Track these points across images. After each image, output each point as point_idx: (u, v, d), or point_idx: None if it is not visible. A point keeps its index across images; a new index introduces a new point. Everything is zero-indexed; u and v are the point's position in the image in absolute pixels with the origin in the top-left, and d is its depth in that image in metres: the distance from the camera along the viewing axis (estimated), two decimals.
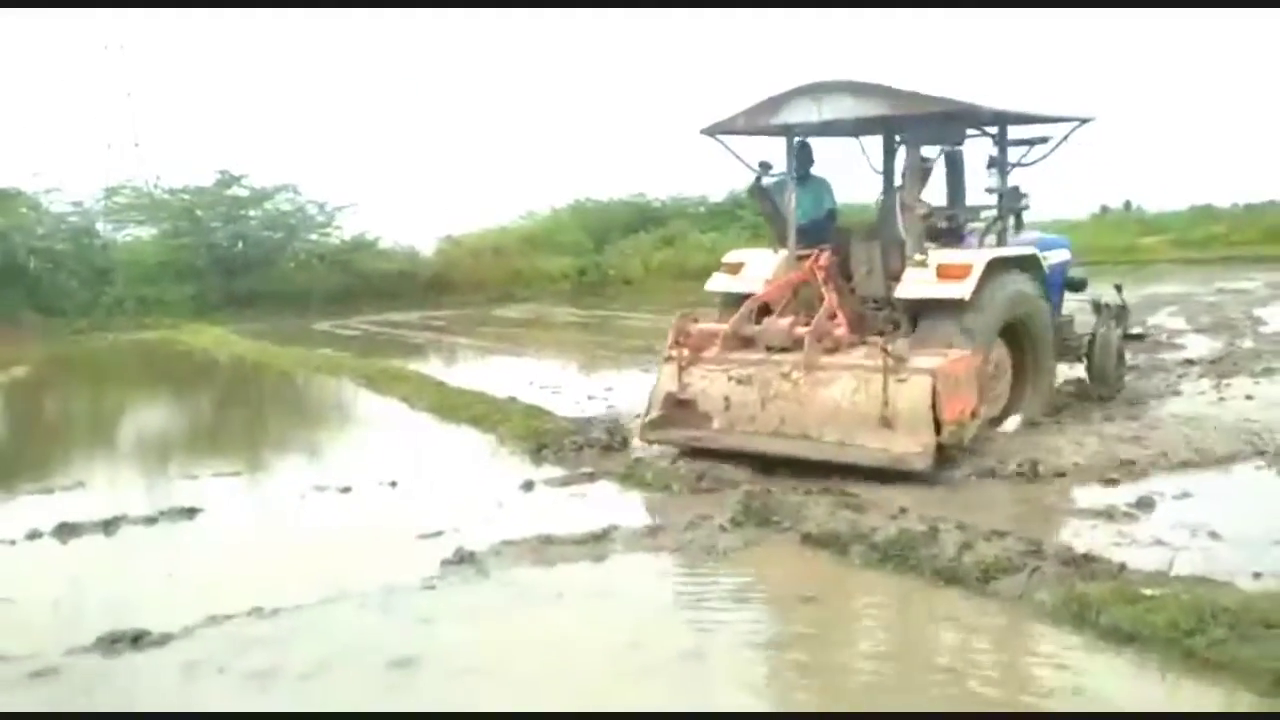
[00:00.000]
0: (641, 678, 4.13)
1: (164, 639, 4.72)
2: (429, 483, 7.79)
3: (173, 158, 42.02)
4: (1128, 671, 3.94)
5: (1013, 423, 7.85)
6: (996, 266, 7.60)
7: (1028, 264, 8.16)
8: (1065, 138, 8.25)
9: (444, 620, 4.92)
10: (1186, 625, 3.97)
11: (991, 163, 8.29)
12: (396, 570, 5.53)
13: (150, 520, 6.96)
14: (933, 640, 4.40)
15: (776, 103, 8.06)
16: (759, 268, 8.53)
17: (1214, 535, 5.22)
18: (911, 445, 6.62)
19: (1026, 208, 9.00)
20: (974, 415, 6.96)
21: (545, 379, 12.90)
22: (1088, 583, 4.48)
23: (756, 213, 9.86)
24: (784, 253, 8.55)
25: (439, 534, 6.13)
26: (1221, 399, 9.17)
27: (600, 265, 34.48)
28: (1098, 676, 3.93)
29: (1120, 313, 9.84)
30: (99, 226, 30.01)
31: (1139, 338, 10.55)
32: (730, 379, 7.63)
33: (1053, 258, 9.18)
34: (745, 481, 6.80)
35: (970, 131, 8.27)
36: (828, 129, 8.45)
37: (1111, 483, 6.55)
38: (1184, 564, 4.60)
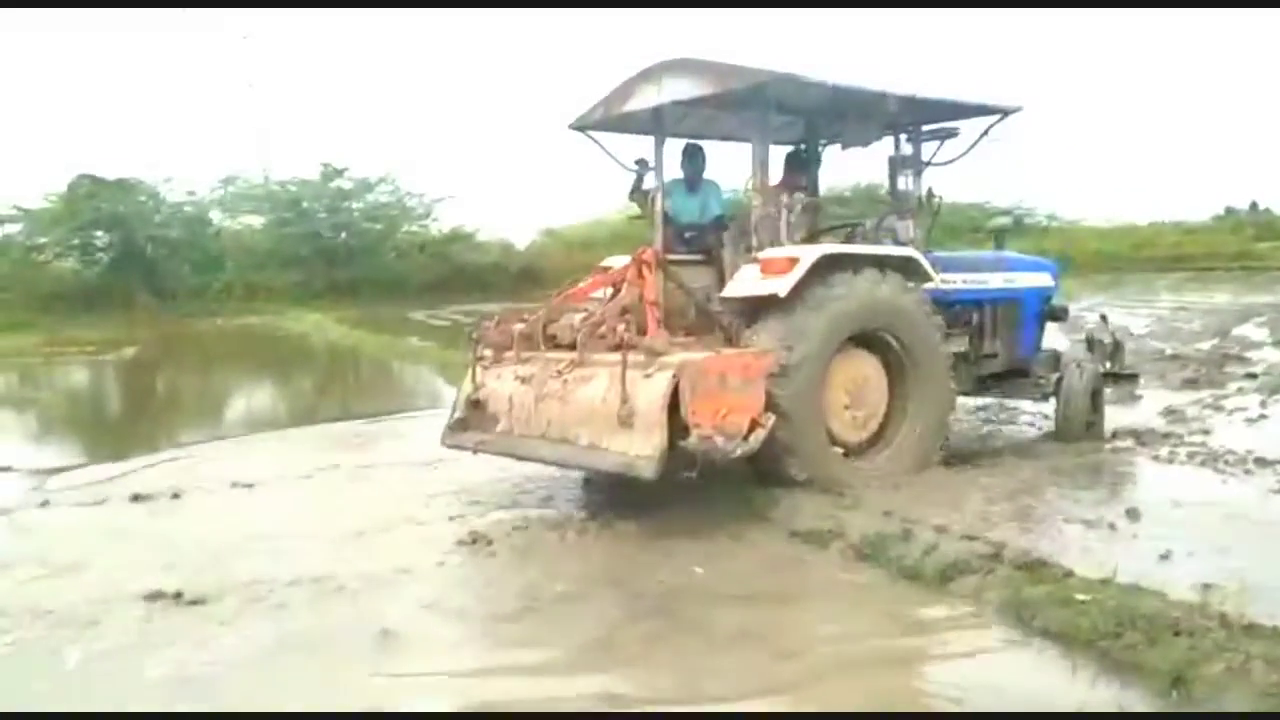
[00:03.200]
0: (609, 651, 4.54)
1: (200, 599, 5.30)
2: (465, 468, 8.26)
3: (282, 149, 43.71)
4: (1047, 669, 4.18)
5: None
6: (839, 264, 6.86)
7: (905, 269, 7.25)
8: (985, 133, 7.72)
9: (442, 592, 5.42)
10: (1106, 629, 4.20)
11: (905, 162, 7.92)
12: (415, 548, 6.06)
13: (210, 491, 7.68)
14: (876, 632, 4.70)
15: (625, 89, 7.60)
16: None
17: (1178, 553, 5.38)
18: (643, 448, 5.94)
19: (1009, 227, 8.55)
20: (755, 425, 6.15)
21: None
22: (1035, 586, 4.72)
23: (634, 215, 8.82)
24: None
25: (462, 516, 6.67)
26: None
27: None
28: (1018, 673, 4.20)
29: (1114, 351, 9.24)
30: (212, 215, 31.60)
31: (1132, 378, 9.57)
32: (516, 378, 7.07)
33: (1023, 281, 8.76)
34: (752, 474, 7.07)
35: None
36: (683, 124, 8.01)
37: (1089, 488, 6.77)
38: (1133, 573, 4.80)
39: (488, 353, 7.38)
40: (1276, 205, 47.29)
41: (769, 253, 6.97)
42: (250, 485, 7.87)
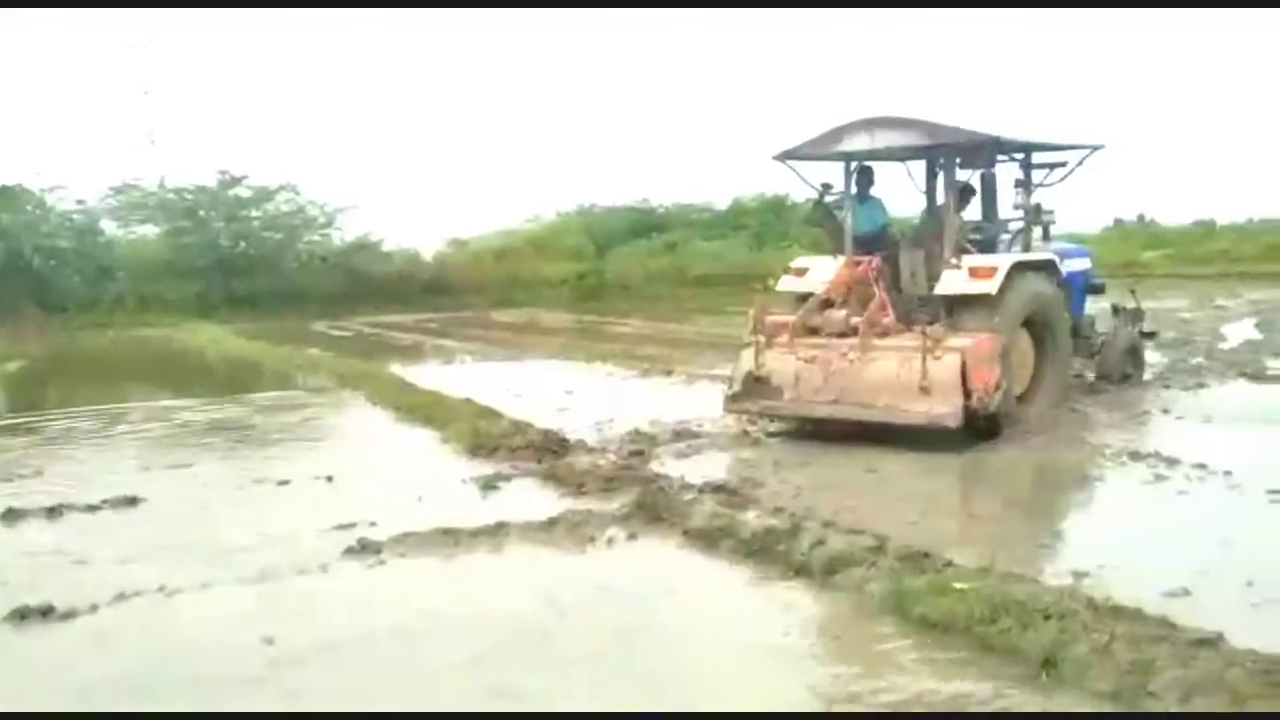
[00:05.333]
0: (479, 659, 4.49)
1: (70, 614, 5.12)
2: (363, 478, 8.19)
3: (177, 157, 42.57)
4: (924, 656, 4.27)
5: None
6: (1018, 269, 8.98)
7: (1046, 268, 9.54)
8: (1080, 162, 9.77)
9: (321, 601, 5.32)
10: (981, 615, 4.31)
11: (1018, 184, 9.88)
12: (300, 557, 5.93)
13: (93, 507, 7.39)
14: (760, 626, 4.74)
15: (837, 134, 9.46)
16: (820, 271, 9.96)
17: (1055, 542, 5.55)
18: (945, 408, 8.08)
19: (1053, 222, 10.29)
20: (998, 387, 8.29)
21: (515, 382, 13.31)
22: (915, 577, 4.82)
23: (816, 223, 11.31)
24: (842, 259, 9.87)
25: (352, 525, 6.51)
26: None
27: (601, 271, 34.83)
28: (898, 662, 4.27)
29: (1136, 314, 11.67)
30: (103, 224, 30.59)
31: (1152, 335, 12.27)
32: (799, 359, 9.11)
33: (1074, 265, 10.64)
34: (652, 481, 7.15)
35: (1000, 158, 9.76)
36: (876, 155, 9.91)
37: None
38: (1009, 561, 4.93)
39: (760, 339, 9.31)
40: (1162, 216, 49.20)
41: (974, 260, 9.02)
42: (134, 499, 7.60)
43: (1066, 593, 4.40)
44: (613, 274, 34.55)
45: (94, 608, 5.20)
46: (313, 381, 14.97)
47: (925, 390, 8.25)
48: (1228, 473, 6.88)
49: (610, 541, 6.06)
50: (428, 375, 14.41)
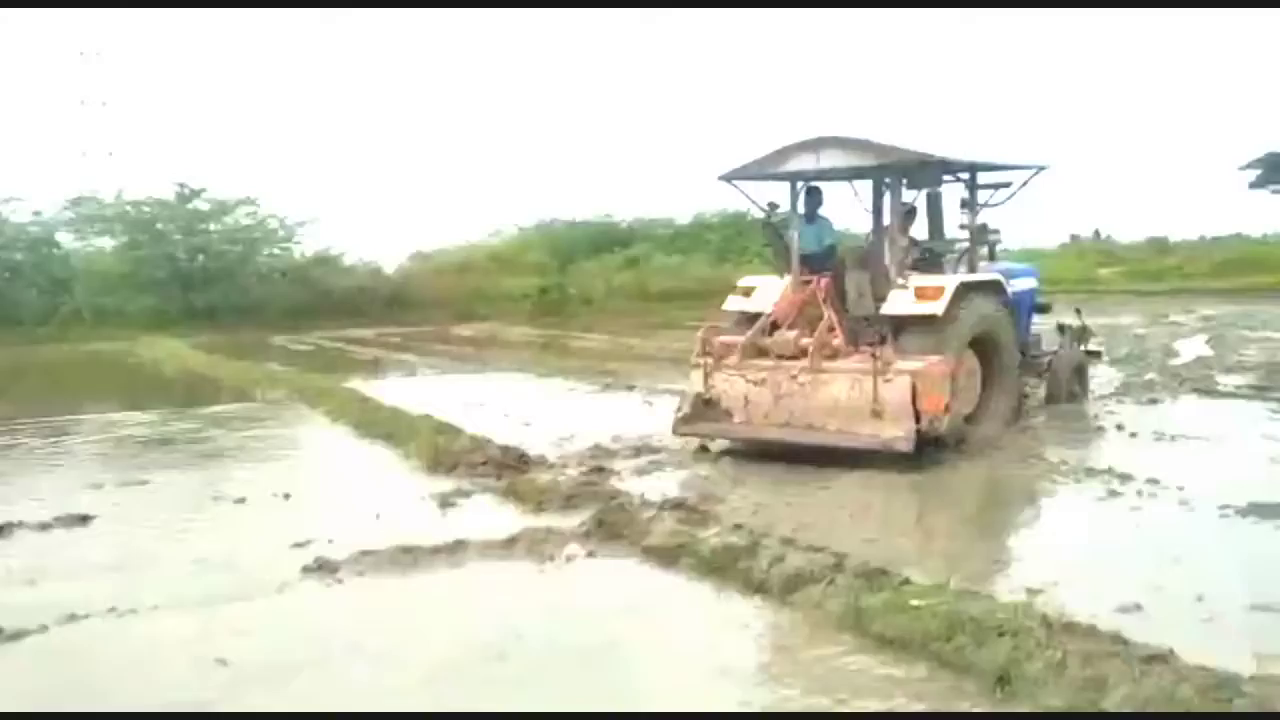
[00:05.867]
0: (434, 679, 4.46)
1: (19, 635, 5.03)
2: (321, 496, 8.14)
3: (135, 170, 42.08)
4: (881, 674, 4.29)
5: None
6: (965, 289, 8.93)
7: (992, 288, 9.48)
8: (1025, 183, 9.70)
9: (277, 621, 5.26)
10: (938, 632, 4.34)
11: (963, 204, 9.82)
12: (256, 576, 5.86)
13: (45, 526, 7.27)
14: (718, 645, 4.75)
15: (783, 154, 9.42)
16: (767, 291, 9.94)
17: (1010, 559, 5.61)
18: (897, 431, 8.08)
19: (999, 241, 10.28)
20: (947, 410, 8.26)
21: (476, 397, 13.25)
22: (873, 594, 4.84)
23: (764, 243, 11.73)
24: (789, 279, 9.86)
25: (310, 543, 6.43)
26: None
27: (563, 285, 34.81)
28: (851, 680, 4.29)
29: (1081, 333, 11.66)
30: (60, 237, 30.20)
31: (1097, 354, 12.23)
32: (748, 381, 9.15)
33: (1020, 285, 10.61)
34: (612, 498, 7.14)
35: (946, 178, 9.68)
36: (823, 175, 9.83)
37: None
38: (965, 578, 4.97)
39: (708, 361, 9.35)
40: (1117, 233, 49.98)
41: (919, 281, 8.90)
42: (85, 518, 7.48)
43: (1021, 609, 4.43)
44: (575, 288, 34.57)
45: (43, 628, 5.12)
46: (271, 396, 14.83)
47: (876, 413, 8.27)
48: (1180, 488, 6.98)
49: (569, 559, 6.05)
50: (388, 390, 14.31)
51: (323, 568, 5.97)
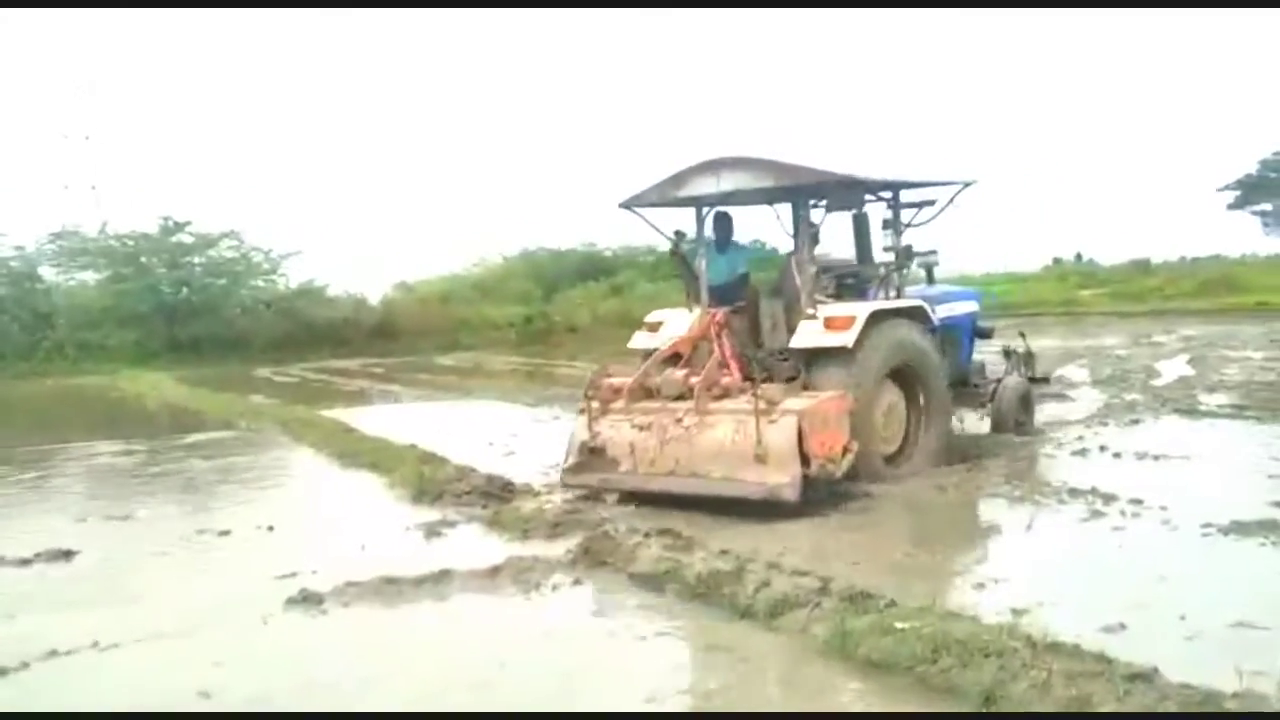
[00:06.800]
0: (417, 709, 4.43)
1: (0, 672, 4.99)
2: (306, 527, 8.11)
3: (119, 203, 42.10)
4: (868, 698, 4.29)
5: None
6: (880, 317, 8.41)
7: (913, 314, 8.92)
8: (951, 199, 9.04)
9: (261, 653, 5.23)
10: (924, 654, 4.34)
11: (885, 224, 9.16)
12: (240, 608, 5.83)
13: (25, 561, 7.22)
14: (705, 671, 4.75)
15: (681, 177, 8.88)
16: (675, 325, 9.34)
17: (994, 580, 5.63)
18: (782, 478, 7.38)
19: (936, 263, 9.92)
20: (846, 452, 7.63)
21: (460, 426, 13.24)
22: (859, 617, 4.84)
23: (673, 274, 10.77)
24: (698, 311, 9.26)
25: (294, 575, 6.40)
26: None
27: (547, 314, 34.88)
28: (838, 704, 4.29)
29: (1026, 359, 11.11)
30: (42, 271, 30.10)
31: (1043, 381, 11.61)
32: (633, 426, 8.42)
33: (959, 309, 10.21)
34: (598, 525, 7.14)
35: (868, 197, 9.19)
36: (729, 199, 9.21)
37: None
38: (950, 599, 4.98)
39: (595, 405, 8.64)
40: (1100, 256, 50.41)
41: (829, 311, 8.40)
42: (69, 552, 7.42)
43: (1005, 630, 4.43)
44: (560, 316, 34.62)
45: (25, 664, 5.07)
46: (256, 428, 14.77)
47: (760, 459, 7.52)
48: (1163, 508, 7.00)
49: (555, 587, 6.03)
50: (373, 420, 14.28)
51: (307, 599, 5.93)
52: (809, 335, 8.34)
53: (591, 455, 8.60)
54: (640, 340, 9.47)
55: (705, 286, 9.32)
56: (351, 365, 26.85)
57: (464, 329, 33.21)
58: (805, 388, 8.23)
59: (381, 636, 5.46)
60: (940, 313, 9.59)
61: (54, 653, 5.19)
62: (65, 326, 28.52)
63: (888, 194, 9.16)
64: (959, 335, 10.16)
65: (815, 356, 8.35)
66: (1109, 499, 7.32)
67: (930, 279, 10.36)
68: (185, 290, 30.46)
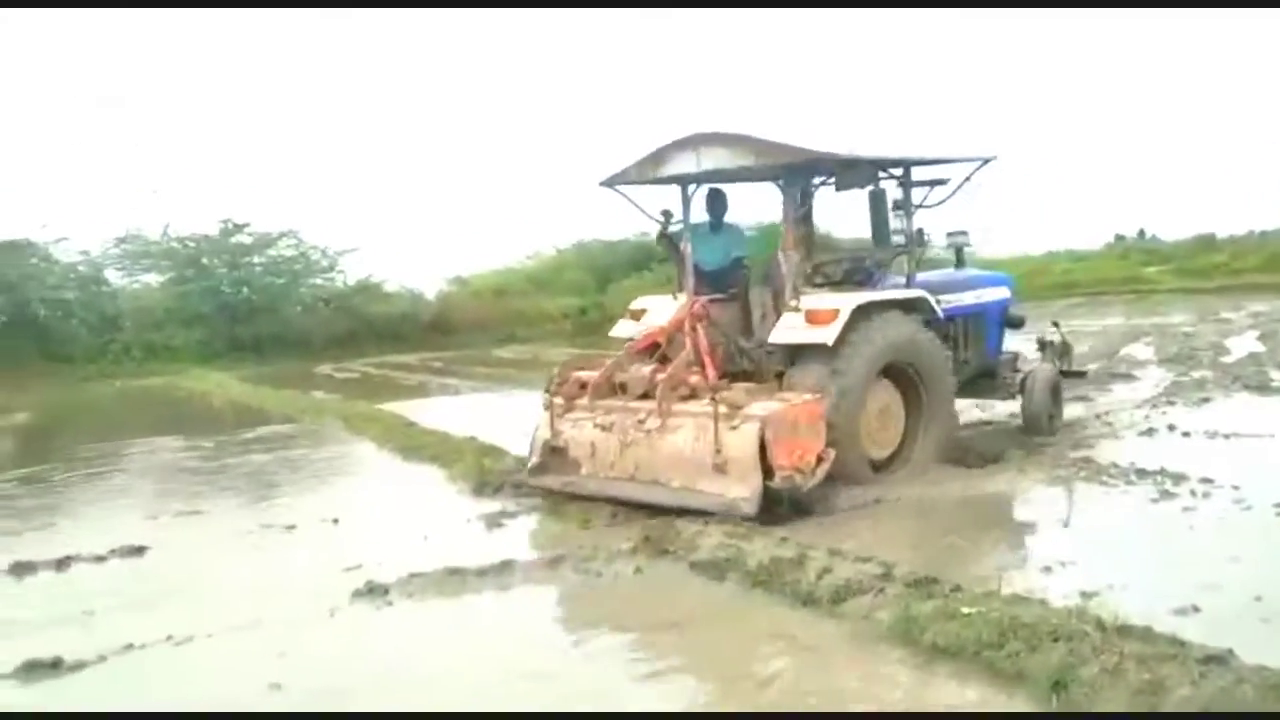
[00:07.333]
0: (485, 698, 4.47)
1: (79, 665, 5.12)
2: (369, 519, 8.20)
3: (180, 206, 42.83)
4: (934, 683, 4.25)
5: None
6: (869, 311, 7.65)
7: (911, 306, 8.09)
8: (967, 178, 8.34)
9: (330, 644, 5.31)
10: (990, 639, 4.29)
11: (896, 205, 8.41)
12: (308, 601, 5.93)
13: (100, 558, 7.40)
14: (769, 658, 4.73)
15: (661, 155, 8.25)
16: (659, 314, 8.69)
17: (1062, 563, 5.55)
18: (741, 491, 6.73)
19: (967, 244, 9.45)
20: (819, 461, 6.91)
21: (519, 418, 13.28)
22: (923, 602, 4.80)
23: (664, 258, 9.77)
24: (684, 298, 8.55)
25: (359, 567, 6.49)
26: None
27: (602, 304, 34.86)
28: (904, 690, 4.26)
29: (1063, 350, 10.27)
30: (108, 274, 30.73)
31: (1080, 374, 10.71)
32: (595, 426, 7.81)
33: (987, 295, 9.46)
34: (658, 513, 7.14)
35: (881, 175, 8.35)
36: (713, 177, 8.49)
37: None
38: (1017, 583, 4.92)
39: (560, 402, 8.05)
40: (1163, 232, 49.27)
41: (811, 303, 7.65)
42: (141, 548, 7.58)
43: (1074, 613, 4.37)
44: (614, 307, 34.58)
45: (102, 658, 5.20)
46: (318, 424, 14.98)
47: (719, 468, 6.90)
48: (1235, 487, 6.86)
49: (617, 576, 6.06)
50: (432, 414, 14.41)
51: (373, 591, 6.02)
52: (789, 330, 7.68)
53: (554, 455, 8.05)
54: (623, 329, 8.89)
55: (690, 271, 8.61)
56: (410, 360, 27.07)
57: (519, 321, 33.32)
58: (783, 387, 7.61)
59: (446, 627, 5.53)
60: (965, 300, 9.13)
61: (130, 646, 5.32)
62: (131, 328, 29.07)
63: (898, 172, 8.45)
64: (986, 324, 9.46)
65: (797, 353, 7.70)
66: (1179, 479, 7.18)
67: (960, 262, 9.84)
68: (246, 290, 30.90)
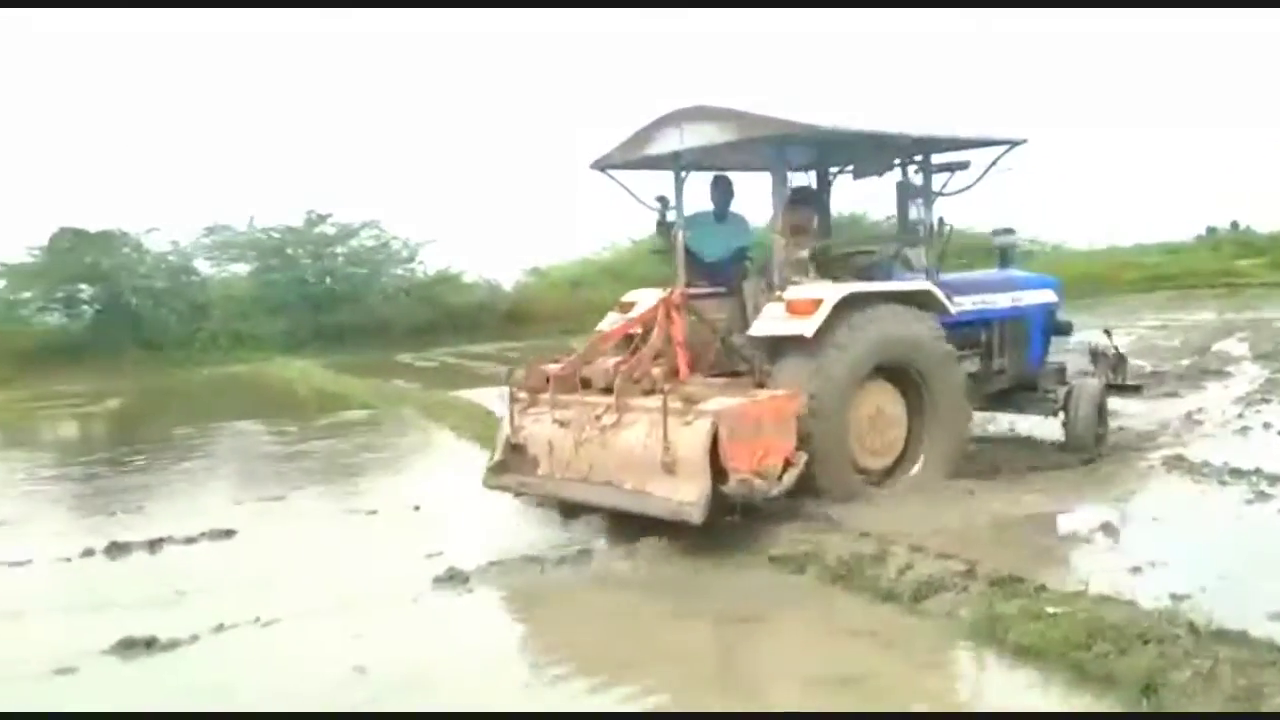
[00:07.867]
0: (564, 684, 4.51)
1: (172, 644, 5.28)
2: (449, 506, 8.29)
3: (265, 197, 43.87)
4: (1020, 684, 4.18)
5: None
6: (860, 302, 6.99)
7: (914, 300, 7.40)
8: (994, 163, 7.75)
9: (412, 630, 5.40)
10: (1077, 640, 4.20)
11: (914, 192, 7.90)
12: (390, 586, 6.04)
13: (191, 540, 7.61)
14: (848, 653, 4.70)
15: (647, 133, 7.78)
16: (645, 306, 7.94)
17: (1152, 564, 5.42)
18: (688, 494, 6.14)
19: (1013, 243, 9.02)
20: (788, 465, 6.35)
21: None
22: (1007, 601, 4.72)
23: (660, 249, 8.58)
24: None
25: (440, 554, 6.58)
26: None
27: None
28: (987, 689, 4.20)
29: (1117, 363, 9.53)
30: (197, 264, 31.59)
31: (1135, 389, 9.94)
32: (554, 422, 7.31)
33: (1029, 298, 8.79)
34: (735, 505, 7.10)
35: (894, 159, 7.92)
36: (706, 156, 7.96)
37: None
38: (1104, 584, 4.81)
39: (524, 396, 7.57)
40: (1257, 224, 47.67)
41: (794, 293, 7.02)
42: (229, 532, 7.78)
43: (1165, 616, 4.26)
44: None
45: (194, 638, 5.34)
46: (399, 412, 15.24)
47: (668, 468, 6.31)
48: None
49: (696, 569, 6.05)
50: None
51: (454, 578, 6.09)
52: (769, 321, 7.04)
53: (514, 453, 7.57)
54: (610, 322, 8.17)
55: (681, 262, 8.10)
56: (488, 349, 27.36)
57: (595, 312, 33.34)
58: (760, 385, 7.04)
59: (528, 615, 5.59)
60: (999, 302, 8.51)
61: (221, 626, 5.46)
62: (219, 317, 29.88)
63: (914, 152, 7.77)
64: (1028, 329, 8.75)
65: (778, 347, 7.07)
66: (1275, 480, 6.95)
67: (1005, 261, 9.17)
68: (329, 280, 31.57)
